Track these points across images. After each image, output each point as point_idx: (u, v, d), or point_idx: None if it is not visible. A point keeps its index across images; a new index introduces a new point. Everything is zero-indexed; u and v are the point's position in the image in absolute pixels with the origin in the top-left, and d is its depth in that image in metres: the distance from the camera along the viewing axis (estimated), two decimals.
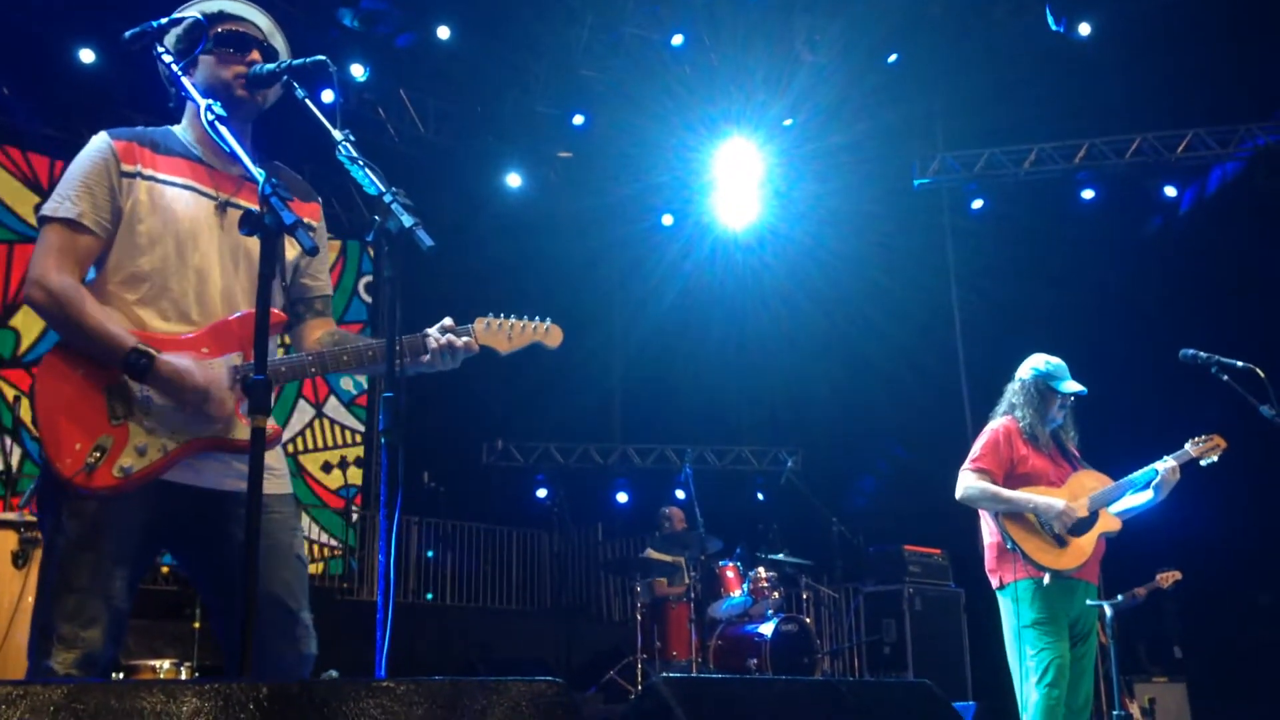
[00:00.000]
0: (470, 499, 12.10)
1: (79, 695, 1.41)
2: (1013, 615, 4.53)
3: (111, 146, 2.63)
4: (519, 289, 11.14)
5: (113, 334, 2.49)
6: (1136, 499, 4.69)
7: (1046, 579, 4.46)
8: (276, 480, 2.69)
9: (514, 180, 11.94)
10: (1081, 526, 4.58)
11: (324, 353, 2.72)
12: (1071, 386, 4.76)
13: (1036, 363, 4.86)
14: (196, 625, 6.26)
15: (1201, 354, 4.74)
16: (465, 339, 2.78)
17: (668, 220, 13.04)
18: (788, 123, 11.79)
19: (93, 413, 2.47)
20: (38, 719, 1.36)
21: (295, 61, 2.66)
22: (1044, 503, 4.52)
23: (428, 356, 2.74)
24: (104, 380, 2.50)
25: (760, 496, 12.99)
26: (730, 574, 8.38)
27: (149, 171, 2.65)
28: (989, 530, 4.72)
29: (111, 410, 2.48)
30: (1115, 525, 4.66)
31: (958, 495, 4.68)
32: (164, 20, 2.61)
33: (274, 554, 2.59)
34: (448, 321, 2.81)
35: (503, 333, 2.86)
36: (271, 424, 2.72)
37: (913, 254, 12.13)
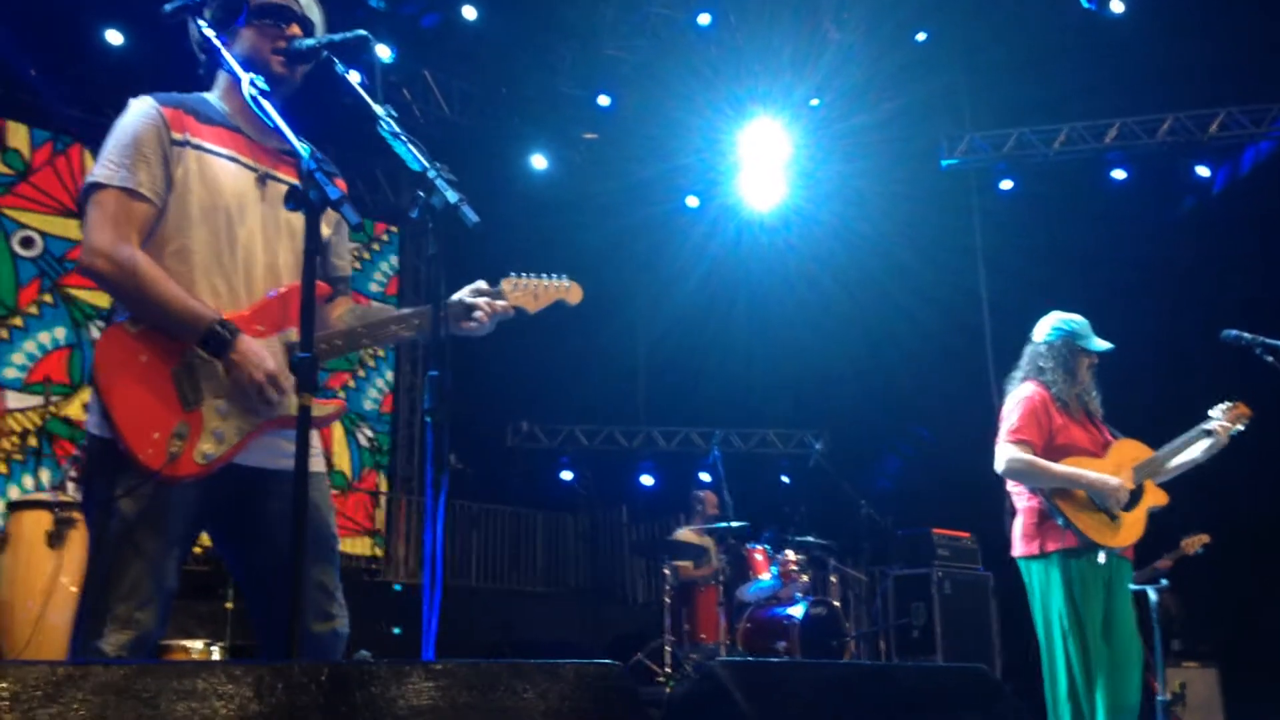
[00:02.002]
0: (495, 481, 12.12)
1: (140, 676, 1.39)
2: (1056, 587, 4.31)
3: (160, 112, 2.56)
4: (543, 271, 11.03)
5: (193, 306, 2.43)
6: (1181, 458, 4.54)
7: (1102, 557, 4.31)
8: (313, 459, 2.66)
9: (539, 162, 11.90)
10: (1129, 501, 4.43)
11: (373, 324, 2.70)
12: (1101, 344, 4.57)
13: (1056, 321, 4.64)
14: (229, 605, 6.28)
15: (1246, 335, 4.62)
16: (503, 302, 2.80)
17: (693, 202, 12.97)
18: (814, 102, 11.69)
19: (165, 398, 2.41)
20: (100, 700, 1.34)
21: (336, 37, 2.62)
22: (1098, 479, 4.32)
23: (472, 324, 2.73)
24: (169, 364, 2.44)
25: (785, 479, 12.96)
26: (759, 557, 8.34)
27: (196, 140, 2.58)
28: (1023, 496, 4.53)
29: (182, 395, 2.43)
30: (1162, 499, 4.51)
31: (1000, 469, 4.45)
32: None
33: (311, 532, 2.57)
34: (481, 284, 2.80)
35: (530, 292, 2.89)
36: (338, 400, 2.70)
37: (940, 235, 12.02)
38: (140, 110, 2.57)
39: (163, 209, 2.54)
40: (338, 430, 11.47)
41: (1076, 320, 4.65)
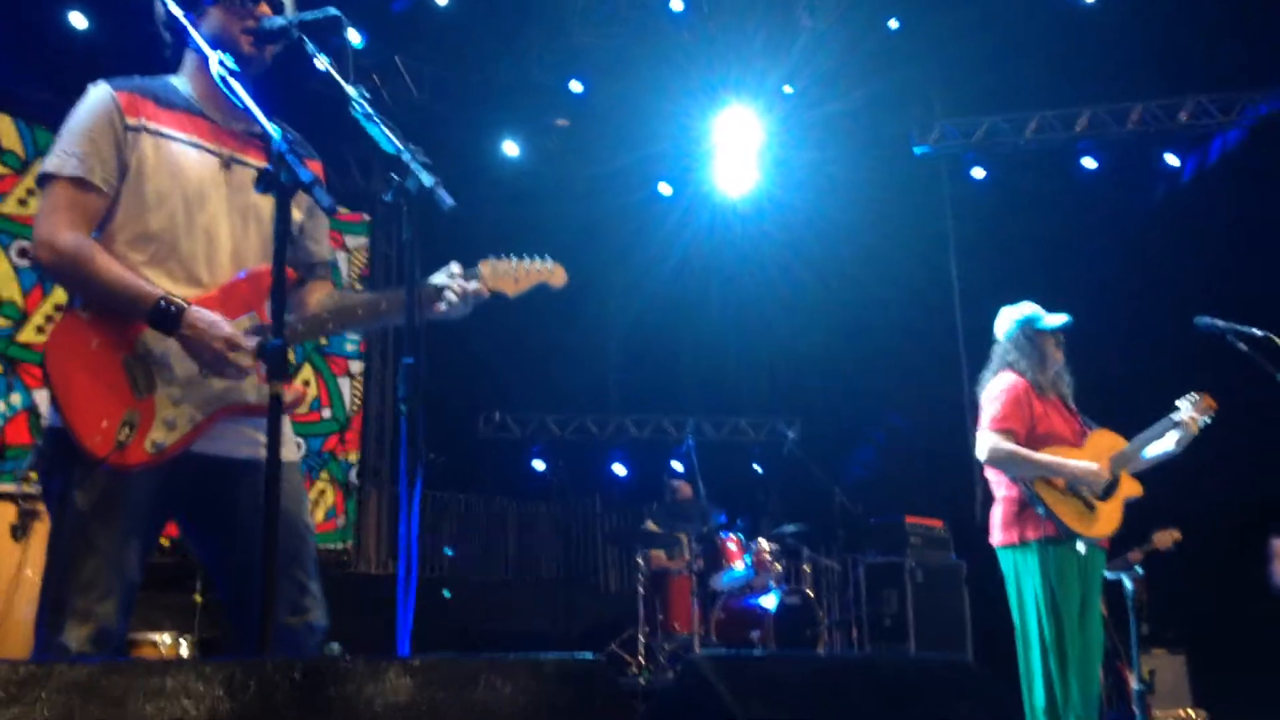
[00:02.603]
0: (467, 471, 12.04)
1: (106, 675, 1.34)
2: (1034, 576, 4.35)
3: (114, 98, 2.52)
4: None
5: (136, 284, 2.40)
6: (1154, 449, 4.59)
7: (1082, 547, 4.35)
8: (286, 447, 2.61)
9: (511, 149, 11.82)
10: (1105, 491, 4.48)
11: (338, 308, 2.65)
12: (1056, 319, 4.64)
13: (1012, 314, 4.75)
14: (198, 598, 6.20)
15: (1219, 322, 4.66)
16: (475, 284, 2.72)
17: (666, 189, 12.91)
18: (787, 90, 11.66)
19: (115, 386, 2.37)
20: (65, 699, 1.28)
21: (307, 15, 2.56)
22: (1080, 467, 4.39)
23: (443, 306, 2.66)
24: (121, 352, 2.40)
25: (758, 468, 12.95)
26: (732, 546, 8.32)
27: (153, 125, 2.53)
28: (1004, 484, 4.57)
29: (134, 383, 2.39)
30: (1137, 489, 4.58)
31: (982, 458, 4.50)
32: None
33: (282, 523, 2.52)
34: (454, 266, 2.73)
35: (510, 275, 2.80)
36: (298, 386, 2.65)
37: (912, 223, 12.03)
38: (94, 97, 2.54)
39: (116, 196, 2.50)
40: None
41: (1027, 308, 4.74)
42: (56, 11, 8.99)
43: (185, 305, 2.40)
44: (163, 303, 2.38)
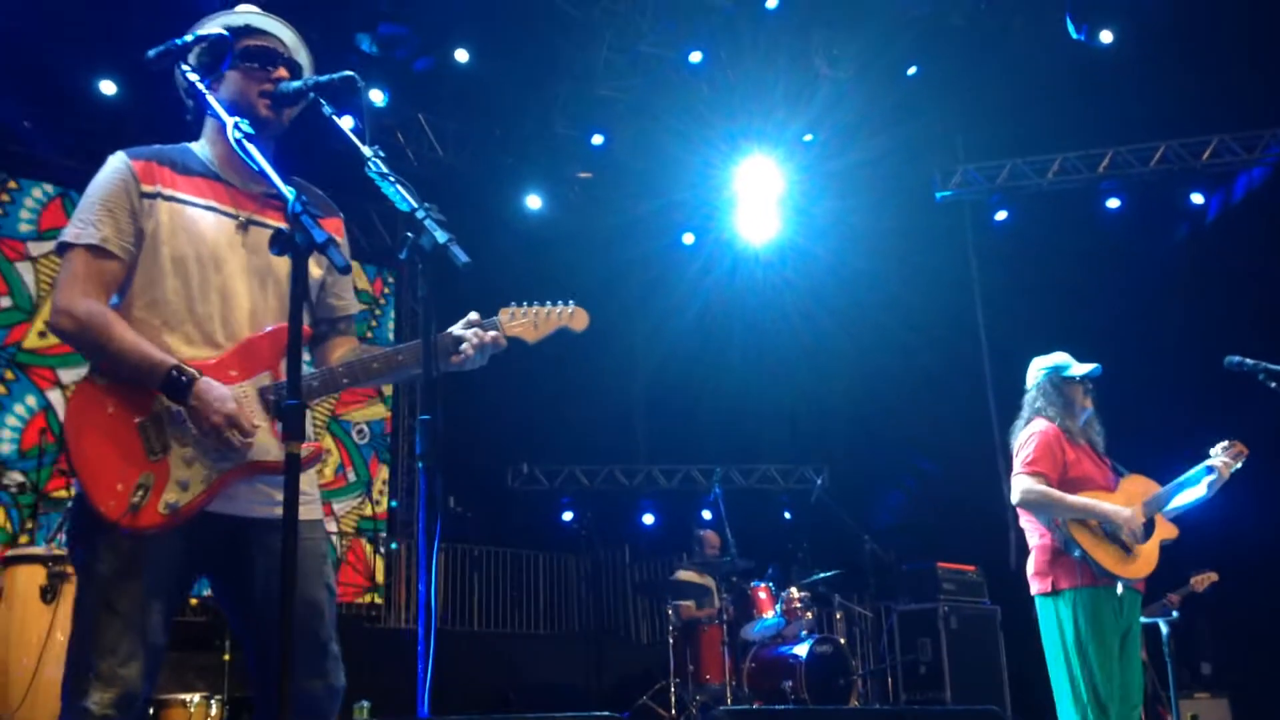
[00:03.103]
0: (496, 523, 12.03)
1: None
2: (1068, 624, 4.34)
3: (130, 166, 2.56)
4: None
5: (150, 353, 2.42)
6: (1186, 497, 4.57)
7: (1120, 589, 4.33)
8: (307, 506, 2.60)
9: (534, 202, 11.90)
10: (1142, 534, 4.48)
11: (353, 362, 2.65)
12: (1083, 368, 4.67)
13: (1042, 363, 4.79)
14: (226, 657, 6.20)
15: (1248, 361, 4.64)
16: (493, 333, 2.72)
17: (688, 238, 12.97)
18: (808, 138, 11.72)
19: (130, 450, 2.39)
20: None
21: (323, 78, 2.58)
22: (1111, 510, 4.38)
23: (460, 357, 2.67)
24: (136, 415, 2.42)
25: (788, 515, 12.86)
26: (763, 595, 8.25)
27: (169, 191, 2.57)
28: (1037, 533, 4.56)
29: (148, 446, 2.41)
30: (1173, 532, 4.56)
31: (1015, 500, 4.50)
32: (188, 38, 2.54)
33: (303, 582, 2.50)
34: (473, 316, 2.74)
35: (529, 321, 2.80)
36: (313, 443, 2.66)
37: (936, 268, 12.02)
38: (110, 167, 2.58)
39: (133, 263, 2.54)
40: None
41: (1057, 357, 4.78)
42: (86, 80, 9.18)
43: (196, 376, 2.42)
44: (174, 372, 2.40)
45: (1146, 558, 4.44)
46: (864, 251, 11.89)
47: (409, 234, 2.33)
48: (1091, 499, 4.41)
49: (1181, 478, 4.59)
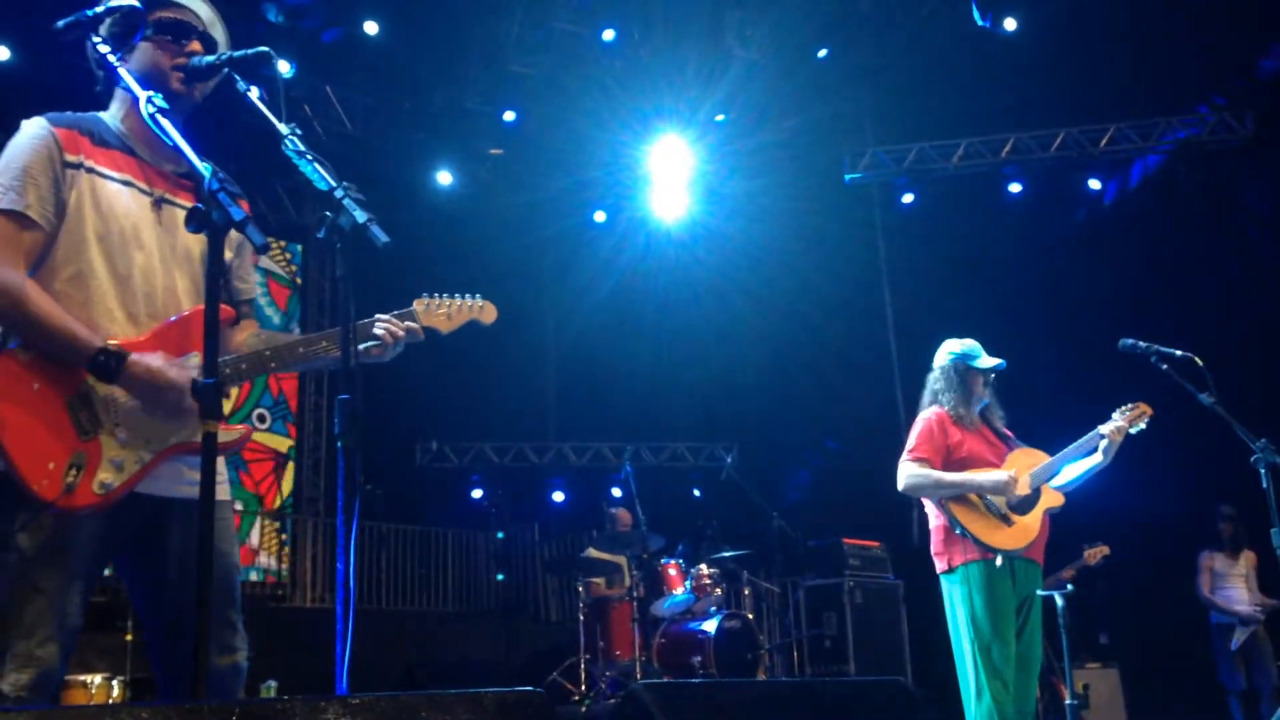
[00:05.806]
0: (404, 501, 11.95)
1: None
2: (962, 600, 4.46)
3: (54, 134, 2.46)
4: (450, 288, 10.88)
5: (77, 331, 2.35)
6: (1082, 465, 4.68)
7: (999, 560, 4.44)
8: (219, 486, 2.59)
9: (444, 178, 11.80)
10: (1025, 504, 4.58)
11: (281, 347, 2.63)
12: (989, 362, 4.77)
13: (951, 347, 4.87)
14: (128, 637, 6.09)
15: (1141, 343, 4.77)
16: (410, 324, 2.76)
17: (600, 216, 12.98)
18: (719, 118, 11.79)
19: (59, 428, 2.32)
20: None
21: (236, 53, 2.53)
22: (988, 479, 4.50)
23: (380, 348, 2.67)
24: (63, 392, 2.35)
25: (698, 493, 12.99)
26: (673, 571, 8.33)
27: (90, 163, 2.49)
28: (933, 514, 4.69)
29: (78, 425, 2.34)
30: (1058, 500, 4.68)
31: (900, 486, 4.64)
32: (99, 9, 2.47)
33: (215, 563, 2.49)
34: (383, 316, 2.75)
35: (442, 312, 2.87)
36: (244, 426, 2.64)
37: (844, 249, 12.22)
38: (31, 132, 2.47)
39: (54, 233, 2.45)
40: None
41: (967, 344, 4.85)
42: None
43: (125, 354, 2.36)
44: (101, 355, 2.34)
45: (1024, 528, 4.54)
46: (775, 231, 12.01)
47: (327, 213, 2.30)
48: (968, 474, 4.55)
49: (1070, 447, 4.69)
